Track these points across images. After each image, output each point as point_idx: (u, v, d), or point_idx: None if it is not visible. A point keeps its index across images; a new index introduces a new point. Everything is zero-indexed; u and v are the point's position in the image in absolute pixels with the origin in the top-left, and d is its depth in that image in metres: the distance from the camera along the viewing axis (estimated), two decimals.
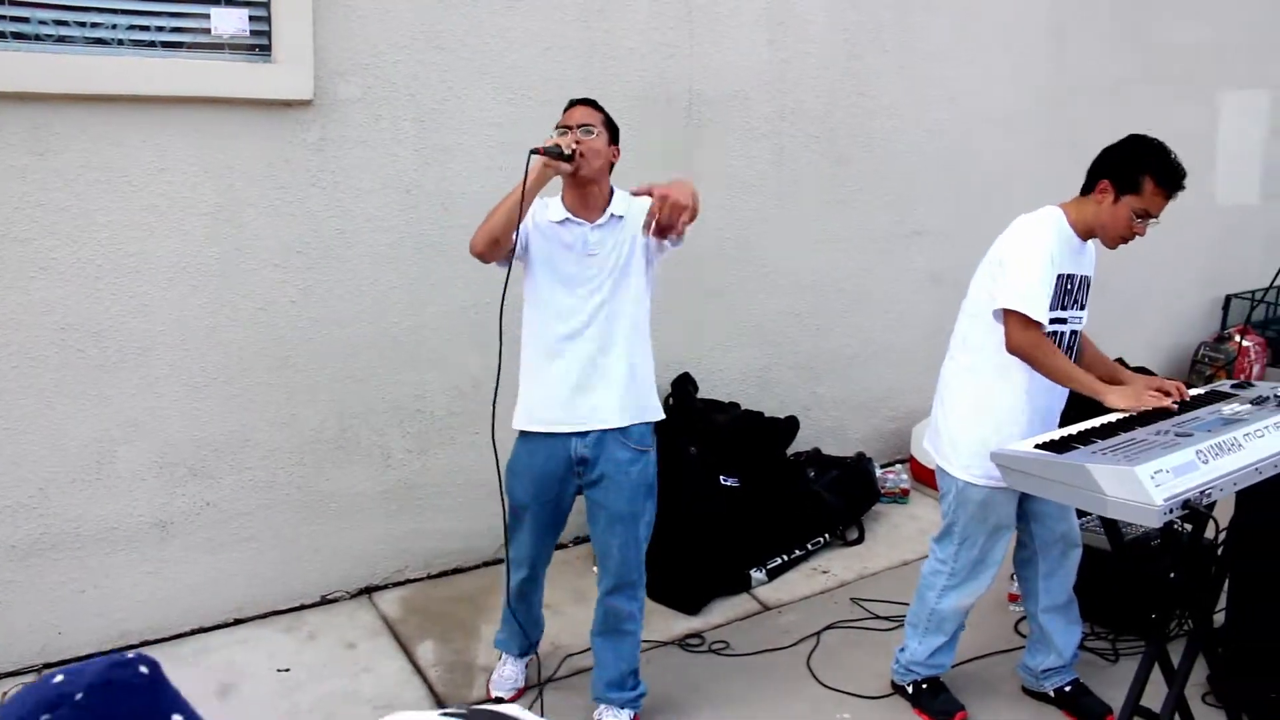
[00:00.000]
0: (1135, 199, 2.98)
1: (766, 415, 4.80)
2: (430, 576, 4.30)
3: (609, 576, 3.17)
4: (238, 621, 3.89)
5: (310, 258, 3.84)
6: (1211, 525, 2.97)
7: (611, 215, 3.02)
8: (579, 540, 4.58)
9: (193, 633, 3.80)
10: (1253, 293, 7.42)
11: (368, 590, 4.17)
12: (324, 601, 4.06)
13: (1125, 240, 3.08)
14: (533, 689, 3.45)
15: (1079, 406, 3.12)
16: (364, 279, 3.96)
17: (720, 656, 3.74)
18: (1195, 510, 2.44)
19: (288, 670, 3.57)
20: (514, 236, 2.88)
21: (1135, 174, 2.98)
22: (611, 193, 3.06)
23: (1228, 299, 7.61)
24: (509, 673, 3.50)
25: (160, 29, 3.48)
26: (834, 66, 5.09)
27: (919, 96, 5.44)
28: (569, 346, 3.01)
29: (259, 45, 3.63)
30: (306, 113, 3.75)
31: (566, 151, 2.83)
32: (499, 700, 3.43)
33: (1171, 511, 2.37)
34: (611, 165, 3.05)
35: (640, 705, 3.28)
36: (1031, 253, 3.00)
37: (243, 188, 3.68)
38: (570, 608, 3.98)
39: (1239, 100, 7.33)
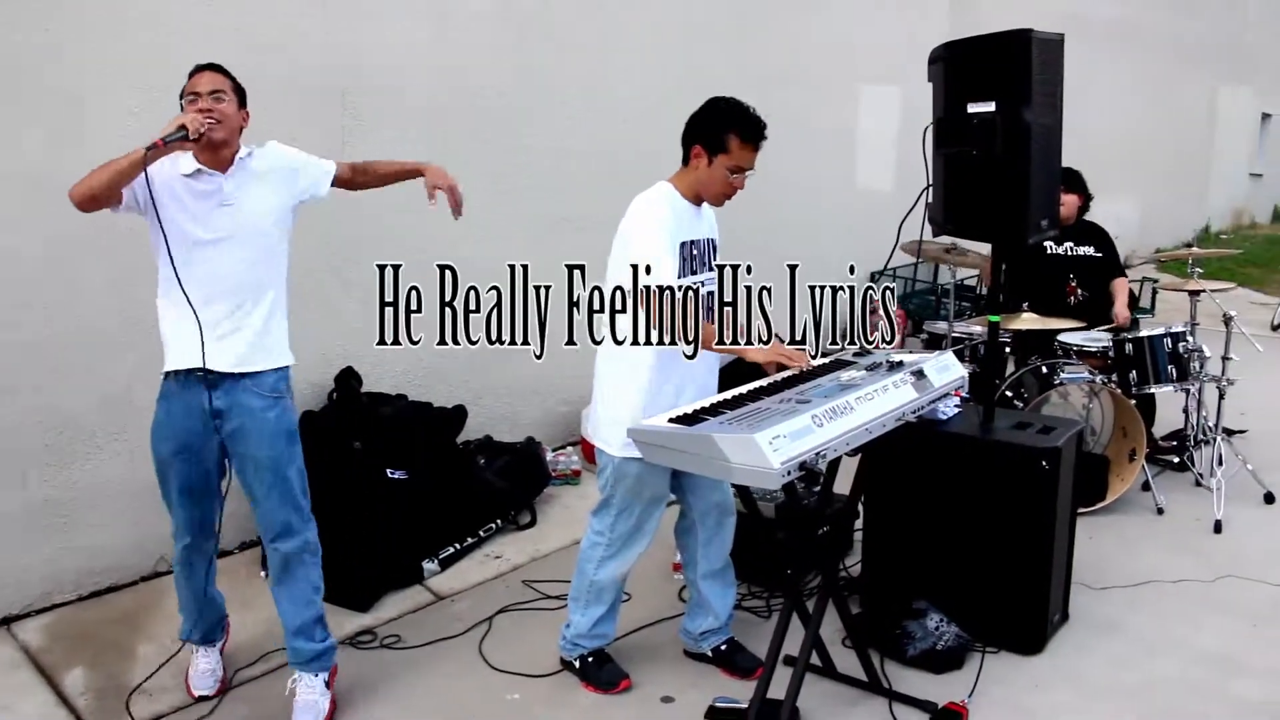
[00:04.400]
0: (725, 158, 3.18)
1: (435, 406, 4.79)
2: (81, 598, 4.03)
3: (268, 526, 3.16)
4: None
5: None
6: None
7: (240, 159, 3.02)
8: (245, 546, 4.41)
9: None
10: (891, 271, 8.09)
11: (6, 621, 3.84)
12: None
13: (728, 196, 3.28)
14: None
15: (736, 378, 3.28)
16: None
17: (392, 651, 3.71)
18: (811, 471, 2.65)
19: None
20: (115, 196, 2.84)
21: (720, 134, 3.17)
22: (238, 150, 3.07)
23: (873, 275, 8.27)
24: (204, 665, 3.42)
25: None
26: (490, 56, 5.15)
27: (569, 87, 5.59)
28: (206, 296, 2.96)
29: None
30: None
31: (194, 135, 2.82)
32: (203, 699, 3.36)
33: (789, 474, 2.52)
34: (241, 129, 3.05)
35: (332, 660, 3.28)
36: (650, 229, 3.14)
37: None
38: (240, 613, 3.79)
39: (875, 95, 7.98)
